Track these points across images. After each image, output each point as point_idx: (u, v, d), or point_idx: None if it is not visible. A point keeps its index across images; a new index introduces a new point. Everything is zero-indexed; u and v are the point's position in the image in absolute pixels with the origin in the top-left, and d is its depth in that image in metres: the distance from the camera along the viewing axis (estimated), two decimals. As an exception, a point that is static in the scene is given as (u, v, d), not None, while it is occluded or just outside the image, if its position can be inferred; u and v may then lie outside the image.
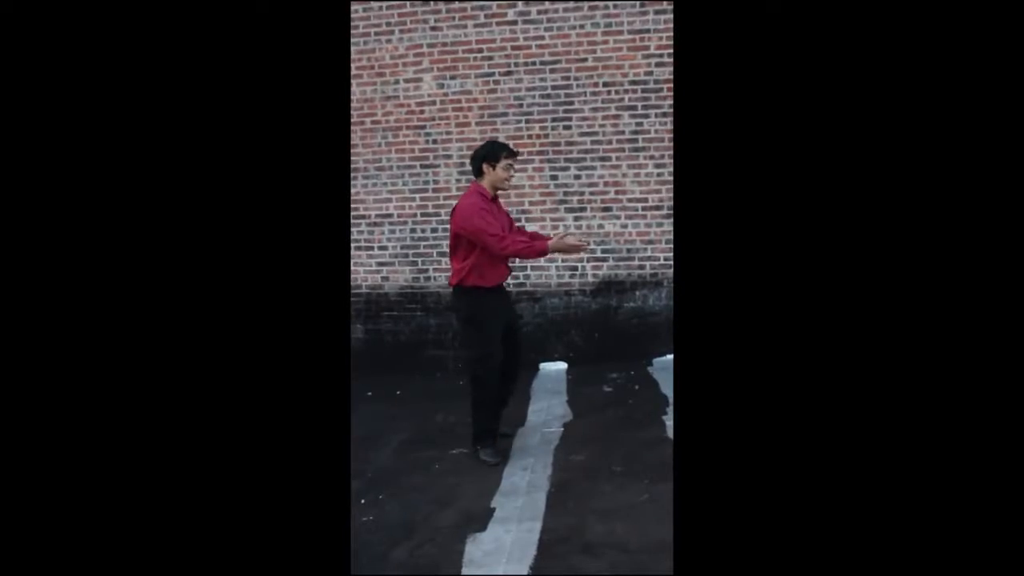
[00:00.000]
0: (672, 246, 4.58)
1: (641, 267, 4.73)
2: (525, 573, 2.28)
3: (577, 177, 4.73)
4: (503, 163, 3.11)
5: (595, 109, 4.65)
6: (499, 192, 3.22)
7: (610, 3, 4.55)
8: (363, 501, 2.95)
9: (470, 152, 4.79)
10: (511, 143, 3.36)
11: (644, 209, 4.69)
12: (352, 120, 4.94)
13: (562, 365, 4.75)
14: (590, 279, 4.79)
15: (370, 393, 4.53)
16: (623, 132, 4.65)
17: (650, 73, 4.57)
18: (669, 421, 3.53)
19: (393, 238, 5.00)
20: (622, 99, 4.62)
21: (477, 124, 4.79)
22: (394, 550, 2.52)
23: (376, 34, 4.86)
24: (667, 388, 4.05)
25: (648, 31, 4.55)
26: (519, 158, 4.78)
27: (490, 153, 3.14)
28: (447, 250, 3.56)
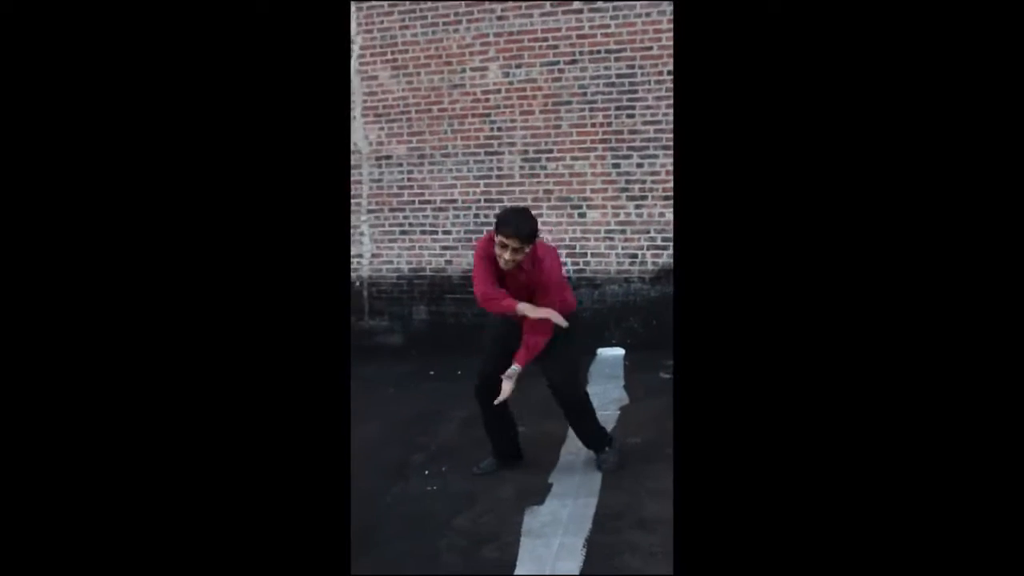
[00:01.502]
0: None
1: (701, 256, 4.73)
2: (580, 544, 2.39)
3: (639, 165, 4.76)
4: (497, 238, 2.57)
5: (659, 98, 4.66)
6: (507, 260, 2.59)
7: (677, -9, 4.55)
8: (427, 472, 3.10)
9: (534, 140, 4.95)
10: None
11: (706, 198, 4.68)
12: (419, 108, 5.09)
13: (619, 351, 4.81)
14: (650, 267, 4.83)
15: (432, 372, 4.70)
16: (687, 121, 4.64)
17: (716, 61, 4.55)
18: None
19: (457, 223, 5.14)
20: (686, 88, 4.62)
21: (541, 112, 4.88)
22: (456, 518, 2.66)
23: (444, 24, 4.98)
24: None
25: (715, 19, 4.52)
26: (584, 148, 4.87)
27: (496, 223, 2.61)
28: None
